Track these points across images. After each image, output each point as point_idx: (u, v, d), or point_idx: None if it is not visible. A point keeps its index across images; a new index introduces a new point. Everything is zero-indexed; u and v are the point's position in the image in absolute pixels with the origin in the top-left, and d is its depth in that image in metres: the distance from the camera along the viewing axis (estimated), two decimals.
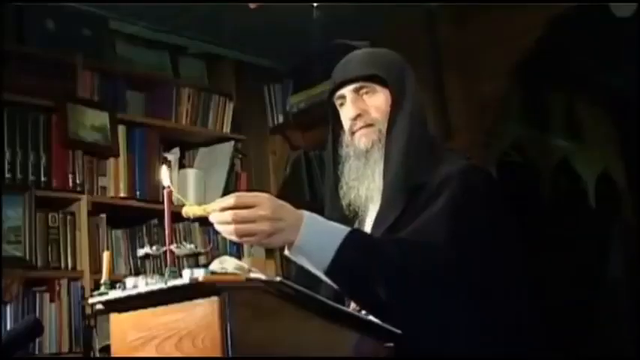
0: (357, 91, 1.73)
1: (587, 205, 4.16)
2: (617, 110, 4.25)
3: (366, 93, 1.72)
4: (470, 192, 1.58)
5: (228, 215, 1.35)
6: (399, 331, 1.41)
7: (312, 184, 4.08)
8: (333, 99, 1.78)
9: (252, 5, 3.15)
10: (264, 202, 1.37)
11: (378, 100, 1.72)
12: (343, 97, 1.74)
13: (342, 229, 1.44)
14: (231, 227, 1.35)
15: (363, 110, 1.71)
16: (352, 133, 1.73)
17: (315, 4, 3.34)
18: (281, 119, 4.28)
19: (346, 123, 1.74)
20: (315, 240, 1.40)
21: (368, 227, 1.68)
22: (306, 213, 1.42)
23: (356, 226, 1.70)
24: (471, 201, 1.56)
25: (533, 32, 3.43)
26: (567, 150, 4.27)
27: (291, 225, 1.39)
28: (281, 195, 4.19)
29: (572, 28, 3.45)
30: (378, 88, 1.72)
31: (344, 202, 1.70)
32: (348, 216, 1.70)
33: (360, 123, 1.71)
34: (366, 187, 1.68)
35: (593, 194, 4.16)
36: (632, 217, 4.23)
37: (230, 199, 1.36)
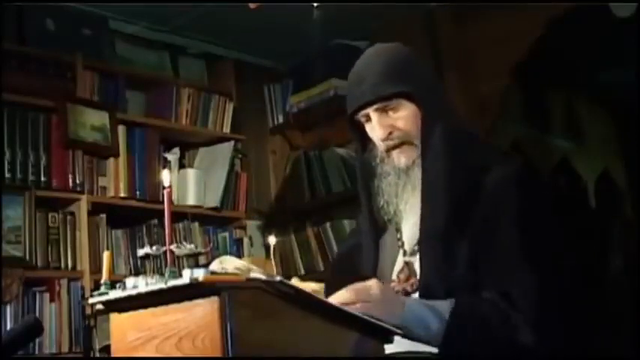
0: (381, 109, 1.65)
1: (587, 205, 4.15)
2: (617, 110, 4.25)
3: (392, 109, 1.64)
4: (531, 203, 1.59)
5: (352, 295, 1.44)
6: (399, 332, 1.41)
7: (312, 184, 4.09)
8: (355, 117, 1.70)
9: (252, 5, 3.14)
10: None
11: (405, 113, 1.64)
12: (367, 115, 1.67)
13: (444, 312, 1.48)
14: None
15: (392, 127, 1.64)
16: (387, 150, 1.67)
17: (315, 4, 3.34)
18: (281, 119, 4.28)
19: (377, 142, 1.68)
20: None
21: (407, 233, 1.69)
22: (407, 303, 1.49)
23: (391, 233, 1.72)
24: (535, 213, 1.59)
25: (533, 32, 3.43)
26: (567, 150, 4.26)
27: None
28: (281, 195, 4.23)
29: (573, 28, 3.44)
30: (403, 100, 1.64)
31: (385, 217, 1.69)
32: (384, 225, 1.72)
33: (393, 141, 1.65)
34: (405, 201, 1.66)
35: (593, 194, 4.16)
36: (632, 217, 4.23)
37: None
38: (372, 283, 1.47)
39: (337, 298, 1.42)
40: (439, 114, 1.64)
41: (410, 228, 1.67)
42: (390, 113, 1.65)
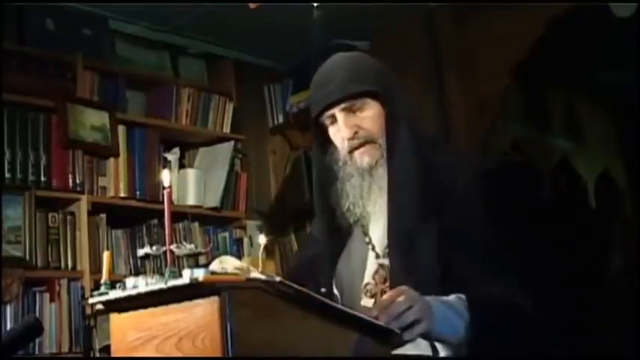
0: (347, 109, 1.65)
1: (587, 205, 4.15)
2: (617, 110, 4.25)
3: (358, 109, 1.65)
4: (502, 202, 1.62)
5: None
6: (398, 331, 1.41)
7: (312, 184, 4.08)
8: (320, 120, 1.70)
9: (252, 5, 3.15)
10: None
11: (371, 113, 1.65)
12: (333, 116, 1.67)
13: (459, 309, 1.49)
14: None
15: (358, 127, 1.65)
16: (350, 151, 1.66)
17: (315, 4, 3.34)
18: (281, 119, 4.29)
19: (341, 142, 1.68)
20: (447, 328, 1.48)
21: (377, 235, 1.68)
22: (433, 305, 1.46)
23: (357, 235, 1.70)
24: (506, 212, 1.61)
25: (533, 32, 3.43)
26: (567, 150, 4.26)
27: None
28: (281, 195, 4.23)
29: (573, 28, 3.44)
30: (369, 100, 1.65)
31: (350, 219, 1.68)
32: (348, 228, 1.71)
33: (357, 141, 1.65)
34: (373, 203, 1.65)
35: (593, 194, 4.16)
36: (632, 217, 4.23)
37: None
38: (413, 292, 1.45)
39: (401, 320, 1.39)
40: (404, 114, 1.65)
41: (380, 229, 1.66)
42: (357, 113, 1.65)
